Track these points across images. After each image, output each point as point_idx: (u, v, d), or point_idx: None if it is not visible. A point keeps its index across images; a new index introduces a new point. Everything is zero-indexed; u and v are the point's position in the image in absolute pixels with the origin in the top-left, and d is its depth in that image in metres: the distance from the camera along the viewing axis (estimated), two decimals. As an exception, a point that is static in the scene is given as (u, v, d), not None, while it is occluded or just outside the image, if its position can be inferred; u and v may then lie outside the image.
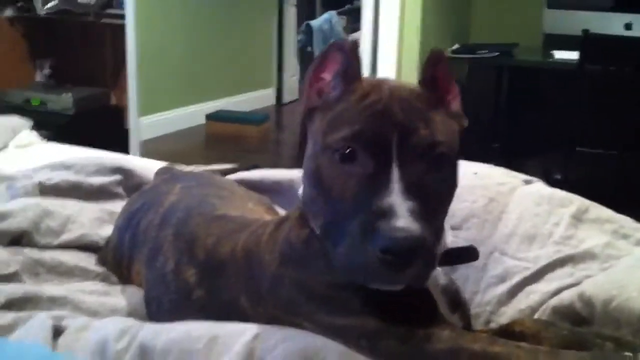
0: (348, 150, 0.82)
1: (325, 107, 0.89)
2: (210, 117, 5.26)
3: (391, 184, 0.78)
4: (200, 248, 1.09)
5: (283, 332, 0.89)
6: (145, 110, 4.22)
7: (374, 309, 0.87)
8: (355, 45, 0.90)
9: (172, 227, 1.17)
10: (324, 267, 0.90)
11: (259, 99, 6.19)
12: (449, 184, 0.87)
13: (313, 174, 0.87)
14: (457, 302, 0.99)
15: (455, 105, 0.94)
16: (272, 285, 0.95)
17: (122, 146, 3.59)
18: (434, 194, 0.82)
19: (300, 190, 0.98)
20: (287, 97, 6.49)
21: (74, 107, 3.83)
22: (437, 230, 0.83)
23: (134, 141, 3.99)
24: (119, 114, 4.15)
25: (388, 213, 0.76)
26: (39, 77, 4.18)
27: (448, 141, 0.85)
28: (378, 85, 0.88)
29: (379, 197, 0.78)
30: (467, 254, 1.02)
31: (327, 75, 0.91)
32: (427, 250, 0.77)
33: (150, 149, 4.08)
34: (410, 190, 0.78)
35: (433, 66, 0.91)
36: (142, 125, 4.10)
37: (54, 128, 3.45)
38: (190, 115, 5.22)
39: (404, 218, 0.75)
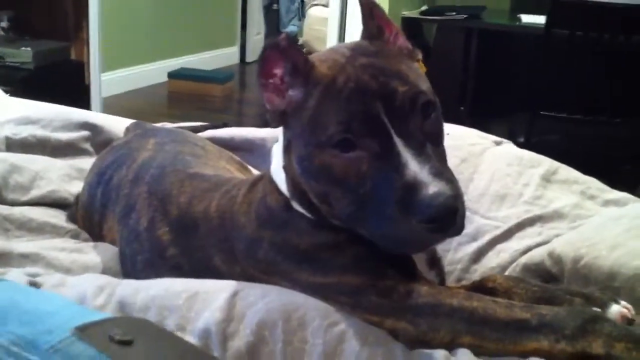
0: (345, 140, 0.82)
1: (296, 109, 0.88)
2: (172, 75, 5.18)
3: (401, 154, 0.80)
4: (173, 206, 1.09)
5: (263, 288, 0.90)
6: (106, 66, 4.13)
7: (354, 267, 0.88)
8: (289, 38, 0.87)
9: (146, 184, 1.16)
10: (306, 228, 0.91)
11: (222, 57, 6.12)
12: (439, 126, 0.89)
13: (320, 172, 0.86)
14: (434, 260, 1.01)
15: (403, 42, 0.95)
16: (249, 246, 0.96)
17: (82, 103, 3.51)
18: (434, 142, 0.85)
19: (275, 149, 0.98)
20: (250, 56, 6.43)
21: (33, 62, 3.72)
22: (451, 173, 0.85)
23: (95, 97, 3.91)
24: (79, 69, 4.04)
25: (415, 183, 0.77)
26: (-4, 30, 4.04)
27: (424, 86, 0.87)
28: (334, 62, 0.87)
29: (398, 171, 0.79)
30: None
31: (278, 71, 0.89)
32: (461, 200, 0.80)
33: (111, 106, 4.01)
34: (419, 150, 0.80)
35: (371, 15, 0.92)
36: (103, 81, 4.01)
37: (12, 83, 3.36)
38: (152, 72, 5.14)
39: (432, 183, 0.77)
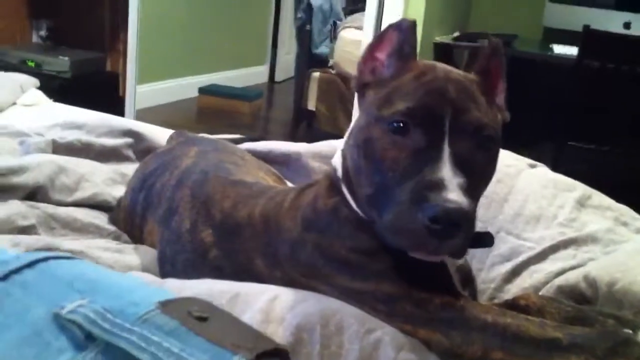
0: (402, 124, 0.86)
1: (379, 83, 0.93)
2: (202, 90, 5.25)
3: (442, 159, 0.83)
4: (217, 209, 1.12)
5: (302, 293, 0.92)
6: (140, 78, 4.20)
7: (393, 275, 0.90)
8: (412, 24, 0.93)
9: (189, 188, 1.19)
10: (349, 233, 0.94)
11: (252, 75, 6.19)
12: (492, 165, 0.92)
13: (364, 144, 0.90)
14: (468, 280, 1.03)
15: (500, 100, 0.99)
16: (292, 249, 0.98)
17: (116, 113, 3.55)
18: (479, 173, 0.87)
19: (316, 164, 1.02)
20: (280, 75, 6.49)
21: (70, 71, 3.79)
22: (475, 204, 0.87)
23: (128, 109, 3.98)
24: (113, 80, 4.12)
25: (439, 185, 0.80)
26: (35, 37, 4.14)
27: (495, 126, 0.90)
28: (433, 66, 0.92)
29: (429, 169, 0.82)
30: (484, 239, 1.05)
31: (382, 55, 0.95)
32: (470, 224, 0.81)
33: (143, 118, 4.06)
34: (459, 166, 0.83)
35: (488, 58, 0.97)
36: (137, 93, 4.08)
37: (49, 91, 3.42)
38: (184, 87, 5.21)
39: (453, 191, 0.79)
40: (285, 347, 0.74)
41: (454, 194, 0.79)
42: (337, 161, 1.01)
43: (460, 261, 1.01)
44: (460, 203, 0.78)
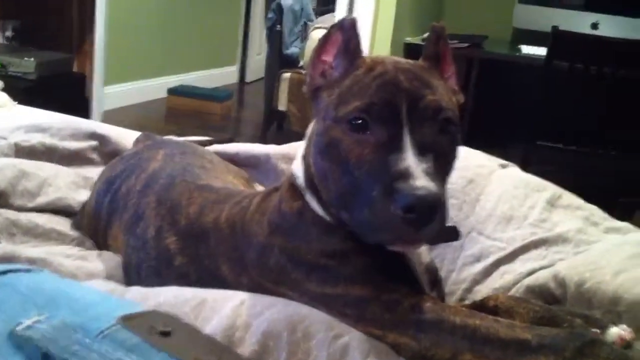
0: (361, 121, 0.85)
1: (331, 85, 0.93)
2: (172, 91, 5.20)
3: (404, 148, 0.82)
4: (182, 216, 1.10)
5: (269, 299, 0.91)
6: (107, 80, 4.15)
7: (361, 279, 0.89)
8: (353, 22, 0.94)
9: (155, 194, 1.17)
10: (315, 236, 0.93)
11: (222, 76, 6.16)
12: (454, 146, 0.91)
13: (326, 147, 0.89)
14: (436, 281, 1.03)
15: (452, 82, 0.99)
16: (259, 254, 0.97)
17: (82, 115, 3.51)
18: (442, 156, 0.87)
19: (285, 166, 1.00)
20: (250, 76, 6.47)
21: (36, 72, 3.73)
22: (445, 188, 0.87)
23: (95, 110, 3.93)
24: (80, 82, 4.06)
25: (405, 174, 0.80)
26: (1, 38, 4.06)
27: (452, 107, 0.90)
28: (381, 60, 0.92)
29: (394, 161, 0.81)
30: (449, 234, 1.05)
31: (329, 57, 0.95)
32: (442, 206, 0.81)
33: (110, 120, 3.99)
34: (422, 152, 0.83)
35: (435, 42, 0.96)
36: (104, 94, 4.03)
37: (14, 92, 3.35)
38: (152, 88, 5.16)
39: (420, 178, 0.79)
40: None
41: (422, 180, 0.79)
42: (297, 167, 1.00)
43: (427, 260, 1.01)
44: (429, 188, 0.78)
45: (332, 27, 0.95)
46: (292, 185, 0.99)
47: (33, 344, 0.67)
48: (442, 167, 0.87)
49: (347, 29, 0.93)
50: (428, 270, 1.01)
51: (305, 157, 0.98)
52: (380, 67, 0.90)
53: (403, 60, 0.94)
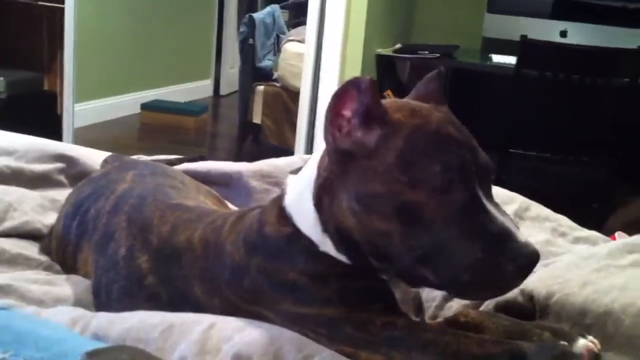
0: (447, 182, 0.84)
1: (373, 151, 0.88)
2: (145, 106, 5.16)
3: (485, 205, 0.85)
4: (154, 235, 1.09)
5: (239, 322, 0.91)
6: (79, 97, 4.11)
7: (336, 300, 0.89)
8: (373, 84, 0.88)
9: (125, 214, 1.15)
10: (303, 261, 0.92)
11: (196, 90, 6.14)
12: None
13: (398, 210, 0.85)
14: (420, 307, 1.03)
15: None
16: (233, 274, 0.96)
17: (54, 133, 3.49)
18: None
19: (257, 183, 0.99)
20: (225, 89, 6.46)
21: (6, 91, 3.70)
22: None
23: (67, 128, 3.89)
24: (51, 100, 4.03)
25: (506, 233, 0.83)
26: (-32, 58, 4.02)
27: None
28: (411, 111, 0.90)
29: (485, 220, 0.84)
30: None
31: (347, 113, 0.89)
32: None
33: (82, 137, 3.98)
34: (495, 205, 0.87)
35: (440, 86, 1.00)
36: (76, 112, 3.99)
37: (-16, 111, 3.35)
38: (125, 104, 5.12)
39: (519, 234, 0.84)
40: None
41: (521, 237, 0.84)
42: (297, 213, 0.95)
43: (413, 289, 1.00)
44: (531, 244, 0.84)
45: (348, 83, 0.88)
46: (280, 211, 0.97)
47: None
48: None
49: (365, 91, 0.87)
50: (414, 299, 1.01)
51: (323, 209, 0.92)
52: (427, 120, 0.88)
53: (426, 106, 0.93)
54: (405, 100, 0.98)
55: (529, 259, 0.83)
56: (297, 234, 0.94)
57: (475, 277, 0.84)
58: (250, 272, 0.94)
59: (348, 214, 0.89)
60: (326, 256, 0.92)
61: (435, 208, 0.84)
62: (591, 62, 2.84)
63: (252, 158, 1.71)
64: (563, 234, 1.25)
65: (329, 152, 0.92)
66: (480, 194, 0.85)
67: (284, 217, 0.96)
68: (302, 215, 0.94)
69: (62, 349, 0.72)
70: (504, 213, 0.86)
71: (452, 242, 0.84)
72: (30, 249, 1.29)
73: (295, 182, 0.98)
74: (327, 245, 0.93)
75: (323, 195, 0.93)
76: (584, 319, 0.97)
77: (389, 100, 0.96)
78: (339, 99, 0.88)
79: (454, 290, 0.88)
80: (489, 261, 0.83)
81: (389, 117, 0.88)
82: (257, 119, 4.20)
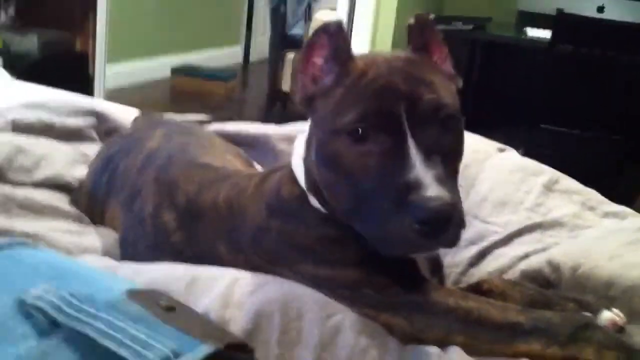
0: (360, 131, 0.82)
1: (324, 93, 0.89)
2: (175, 70, 5.17)
3: (410, 155, 0.79)
4: (181, 194, 1.10)
5: (263, 277, 0.91)
6: (110, 58, 4.13)
7: (356, 262, 0.89)
8: (340, 25, 0.89)
9: (153, 172, 1.16)
10: (314, 222, 0.93)
11: (226, 55, 6.13)
12: (459, 142, 0.89)
13: (329, 159, 0.86)
14: (437, 267, 1.02)
15: (448, 66, 0.96)
16: (256, 235, 0.97)
17: (85, 93, 3.50)
18: (449, 155, 0.84)
19: (284, 146, 0.99)
20: (254, 56, 6.44)
21: (39, 50, 3.72)
22: (456, 187, 0.85)
23: (98, 89, 3.91)
24: (83, 60, 4.05)
25: (416, 185, 0.77)
26: (3, 17, 4.04)
27: (452, 102, 0.87)
28: (372, 61, 0.88)
29: (402, 170, 0.78)
30: None
31: (319, 60, 0.90)
32: (458, 213, 0.79)
33: (113, 99, 3.97)
34: (429, 157, 0.79)
35: (421, 32, 0.92)
36: (106, 74, 4.01)
37: (17, 70, 3.36)
38: (156, 67, 5.13)
39: (432, 187, 0.76)
40: (249, 345, 0.75)
41: (433, 189, 0.76)
42: (297, 167, 0.97)
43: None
44: (442, 196, 0.75)
45: (317, 31, 0.90)
46: (290, 171, 0.98)
47: (41, 313, 0.69)
48: (450, 166, 0.84)
49: (334, 34, 0.89)
50: (428, 257, 1.00)
51: (305, 160, 0.95)
52: (373, 70, 0.86)
53: (395, 56, 0.90)
54: (387, 52, 0.97)
55: (428, 213, 0.75)
56: (304, 194, 0.95)
57: (381, 230, 0.80)
58: (270, 234, 0.95)
59: (313, 166, 0.91)
60: (331, 218, 0.92)
61: (353, 158, 0.83)
62: (628, 38, 2.78)
63: (277, 125, 1.71)
64: (592, 208, 1.23)
65: (300, 102, 0.93)
66: (410, 142, 0.80)
67: (292, 177, 0.97)
68: (300, 171, 0.96)
69: (103, 285, 0.73)
70: (433, 165, 0.79)
71: (369, 193, 0.82)
72: (61, 201, 1.30)
73: (299, 141, 0.99)
74: (314, 201, 0.94)
75: (306, 147, 0.94)
76: (610, 292, 0.97)
77: (371, 52, 0.95)
78: (310, 46, 0.90)
79: (373, 244, 0.83)
80: (393, 215, 0.78)
81: (350, 62, 0.88)
82: (286, 86, 4.19)
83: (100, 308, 0.68)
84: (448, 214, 0.76)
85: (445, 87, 0.88)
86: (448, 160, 0.83)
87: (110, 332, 0.66)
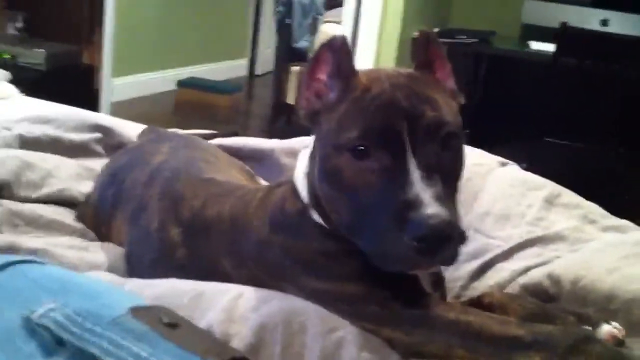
0: (361, 148, 0.84)
1: (328, 108, 0.91)
2: (181, 83, 5.21)
3: (410, 173, 0.81)
4: (186, 208, 1.11)
5: (266, 292, 0.92)
6: (116, 72, 4.16)
7: (357, 276, 0.90)
8: (344, 41, 0.91)
9: (159, 187, 1.18)
10: (316, 237, 0.94)
11: (232, 69, 6.16)
12: (459, 160, 0.90)
13: (330, 175, 0.88)
14: (439, 281, 1.03)
15: (450, 83, 0.97)
16: (259, 250, 0.98)
17: (91, 107, 3.52)
18: (449, 173, 0.85)
19: (289, 160, 1.00)
20: (260, 69, 6.47)
21: (45, 63, 3.75)
22: (457, 207, 0.86)
23: (104, 102, 3.94)
24: (89, 73, 4.08)
25: (415, 202, 0.78)
26: (11, 29, 4.08)
27: (453, 119, 0.88)
28: (376, 77, 0.90)
29: (401, 188, 0.80)
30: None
31: (322, 76, 0.92)
32: (456, 231, 0.80)
33: (119, 112, 4.00)
34: (429, 175, 0.81)
35: (425, 48, 0.94)
36: (113, 86, 4.05)
37: (23, 83, 3.38)
38: (161, 80, 5.17)
39: (431, 205, 0.77)
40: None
41: (432, 207, 0.77)
42: (299, 182, 0.98)
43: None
44: (441, 215, 0.77)
45: (321, 47, 0.92)
46: (293, 185, 0.99)
47: (47, 331, 0.69)
48: (450, 184, 0.86)
49: (338, 50, 0.90)
50: (430, 272, 1.01)
51: (308, 175, 0.96)
52: (377, 86, 0.87)
53: (398, 72, 0.91)
54: (390, 67, 0.98)
55: (426, 230, 0.76)
56: (307, 209, 0.96)
57: (379, 246, 0.82)
58: (273, 249, 0.96)
59: (315, 181, 0.92)
60: (332, 232, 0.93)
61: (355, 174, 0.84)
62: (632, 52, 2.78)
63: (284, 139, 1.72)
64: (593, 222, 1.24)
65: (304, 117, 0.94)
66: (410, 160, 0.81)
67: (295, 192, 0.98)
68: (302, 185, 0.97)
69: (107, 300, 0.74)
70: (433, 183, 0.80)
71: (368, 210, 0.83)
72: (66, 216, 1.32)
73: (303, 155, 1.00)
74: (316, 216, 0.95)
75: (310, 162, 0.95)
76: (610, 305, 0.97)
77: (374, 67, 0.97)
78: (315, 61, 0.92)
79: (371, 260, 0.85)
80: (389, 229, 0.79)
81: (354, 78, 0.90)
82: (291, 99, 4.20)
83: (105, 326, 0.69)
84: (446, 232, 0.77)
85: (447, 105, 0.89)
86: (448, 178, 0.85)
87: (114, 350, 0.66)
